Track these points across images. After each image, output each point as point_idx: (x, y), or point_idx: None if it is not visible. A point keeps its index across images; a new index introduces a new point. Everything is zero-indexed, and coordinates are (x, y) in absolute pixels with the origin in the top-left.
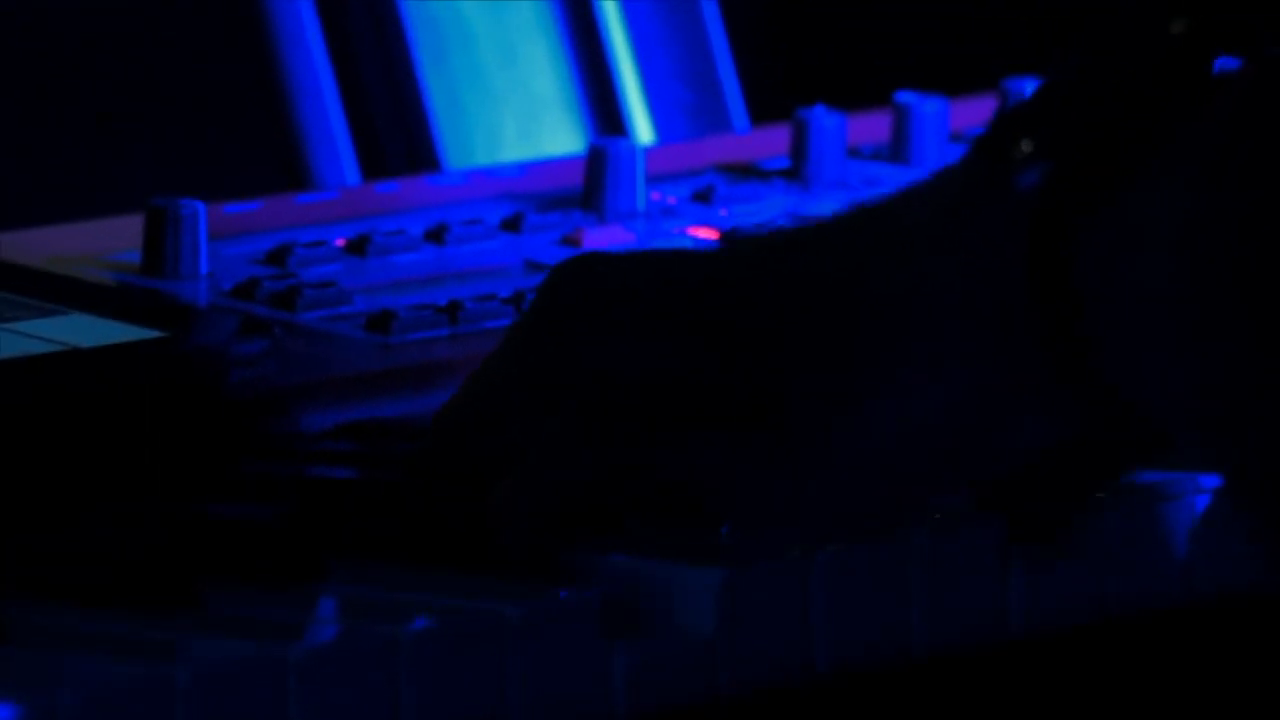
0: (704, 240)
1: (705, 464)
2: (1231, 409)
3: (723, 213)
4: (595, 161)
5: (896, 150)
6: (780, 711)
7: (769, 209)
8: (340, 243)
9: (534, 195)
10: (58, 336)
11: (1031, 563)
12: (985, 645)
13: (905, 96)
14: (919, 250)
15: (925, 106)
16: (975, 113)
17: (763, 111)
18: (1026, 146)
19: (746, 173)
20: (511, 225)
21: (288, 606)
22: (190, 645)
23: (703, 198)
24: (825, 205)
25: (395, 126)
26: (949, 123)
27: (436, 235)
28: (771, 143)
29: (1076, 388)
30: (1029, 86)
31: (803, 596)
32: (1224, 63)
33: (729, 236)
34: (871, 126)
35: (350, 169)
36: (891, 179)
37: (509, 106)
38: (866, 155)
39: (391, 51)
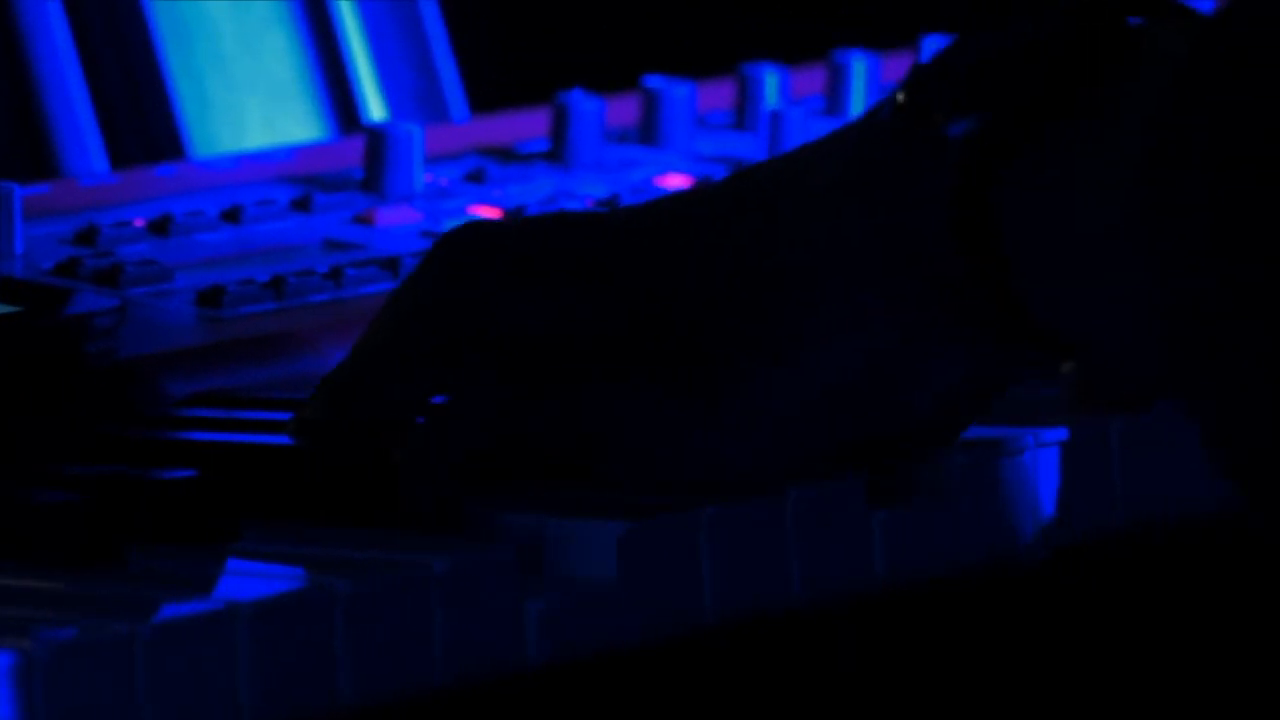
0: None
1: (623, 417)
2: (1182, 336)
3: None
4: (375, 144)
5: (646, 133)
6: (675, 660)
7: (537, 190)
8: (140, 223)
9: (298, 177)
10: None
11: (891, 514)
12: (855, 594)
13: (653, 81)
14: (834, 202)
15: (673, 90)
16: (720, 96)
17: (483, 100)
18: (950, 100)
19: (508, 155)
20: (302, 205)
21: (206, 564)
22: (152, 602)
23: (475, 178)
24: (586, 186)
25: (140, 116)
26: (696, 105)
27: (233, 215)
28: (523, 127)
29: (1001, 329)
30: (765, 70)
31: (694, 549)
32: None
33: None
34: (622, 110)
35: (98, 157)
36: (645, 160)
37: (251, 95)
38: (617, 139)
39: (135, 43)
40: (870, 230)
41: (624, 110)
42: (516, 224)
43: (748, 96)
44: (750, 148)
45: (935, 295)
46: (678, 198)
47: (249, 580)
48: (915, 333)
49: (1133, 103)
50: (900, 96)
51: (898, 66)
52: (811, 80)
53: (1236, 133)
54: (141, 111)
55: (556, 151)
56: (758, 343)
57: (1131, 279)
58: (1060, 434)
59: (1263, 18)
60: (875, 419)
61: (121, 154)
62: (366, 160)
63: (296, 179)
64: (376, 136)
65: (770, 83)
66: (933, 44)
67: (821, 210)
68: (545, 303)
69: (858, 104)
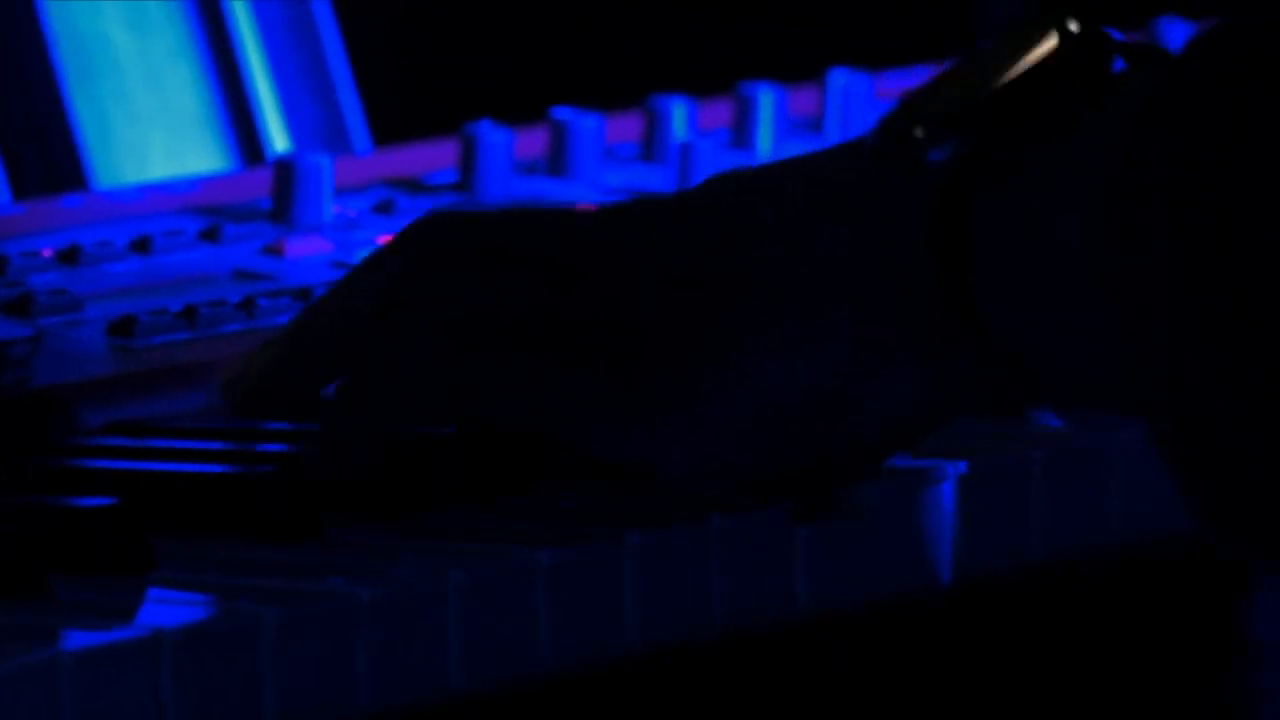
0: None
1: (568, 401)
2: (1141, 362)
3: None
4: (284, 174)
5: (555, 164)
6: (598, 689)
7: None
8: (48, 253)
9: (206, 208)
10: None
11: (814, 541)
12: (777, 621)
13: (561, 113)
14: (808, 215)
15: (582, 122)
16: (627, 128)
17: (387, 132)
18: (930, 126)
19: (416, 186)
20: (210, 235)
21: (129, 592)
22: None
23: (384, 209)
24: None
25: (42, 146)
26: (605, 137)
27: (142, 245)
28: (429, 158)
29: (963, 349)
30: (674, 103)
31: (618, 579)
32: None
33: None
34: (529, 142)
35: (0, 188)
36: (553, 192)
37: (154, 126)
38: (526, 170)
39: (37, 73)
40: (843, 245)
41: (532, 142)
42: (488, 213)
43: (656, 129)
44: (658, 180)
45: (901, 315)
46: (648, 199)
47: (173, 608)
48: (875, 353)
49: (1097, 134)
50: (883, 123)
51: (804, 99)
52: (719, 113)
53: (1195, 166)
54: (44, 142)
55: (465, 182)
56: (710, 347)
57: (1091, 306)
58: (976, 464)
59: (1222, 54)
60: (820, 438)
61: (23, 185)
62: (275, 191)
63: (203, 210)
64: (285, 167)
65: (678, 115)
66: (839, 78)
67: (794, 222)
68: (509, 287)
69: (764, 136)
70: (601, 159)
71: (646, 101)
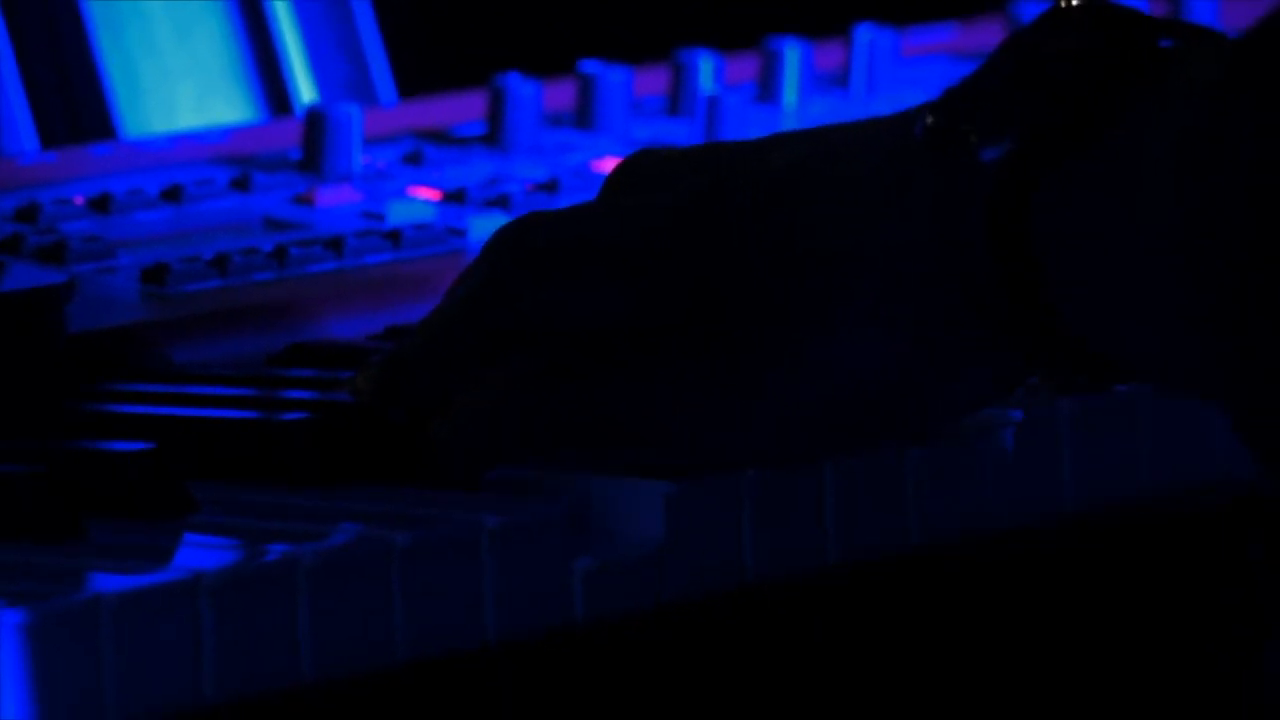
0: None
1: (662, 405)
2: (1223, 345)
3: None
4: (315, 125)
5: (583, 117)
6: (717, 618)
7: (475, 172)
8: (80, 201)
9: (235, 157)
10: None
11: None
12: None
13: (589, 66)
14: (869, 210)
15: (609, 75)
16: (655, 82)
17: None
18: (982, 123)
19: (444, 138)
20: (241, 185)
21: (166, 536)
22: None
23: (413, 160)
24: (524, 170)
25: (71, 96)
26: (632, 91)
27: (174, 194)
28: (457, 110)
29: (1033, 342)
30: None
31: (737, 510)
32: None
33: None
34: (557, 95)
35: (28, 137)
36: (581, 144)
37: (182, 77)
38: (553, 122)
39: (67, 25)
40: (905, 239)
41: (560, 95)
42: (548, 217)
43: (683, 82)
44: (685, 133)
45: (966, 312)
46: (699, 190)
47: (210, 551)
48: (940, 347)
49: (1166, 117)
50: (930, 119)
51: (830, 54)
52: (745, 67)
53: (1276, 142)
54: (72, 91)
55: (493, 135)
56: (793, 330)
57: (1168, 288)
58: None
59: None
60: (886, 421)
61: (52, 134)
62: (305, 141)
63: (232, 159)
64: (316, 117)
65: (705, 69)
66: (865, 33)
67: (854, 215)
68: (581, 296)
69: (790, 91)
70: (629, 112)
71: (674, 55)
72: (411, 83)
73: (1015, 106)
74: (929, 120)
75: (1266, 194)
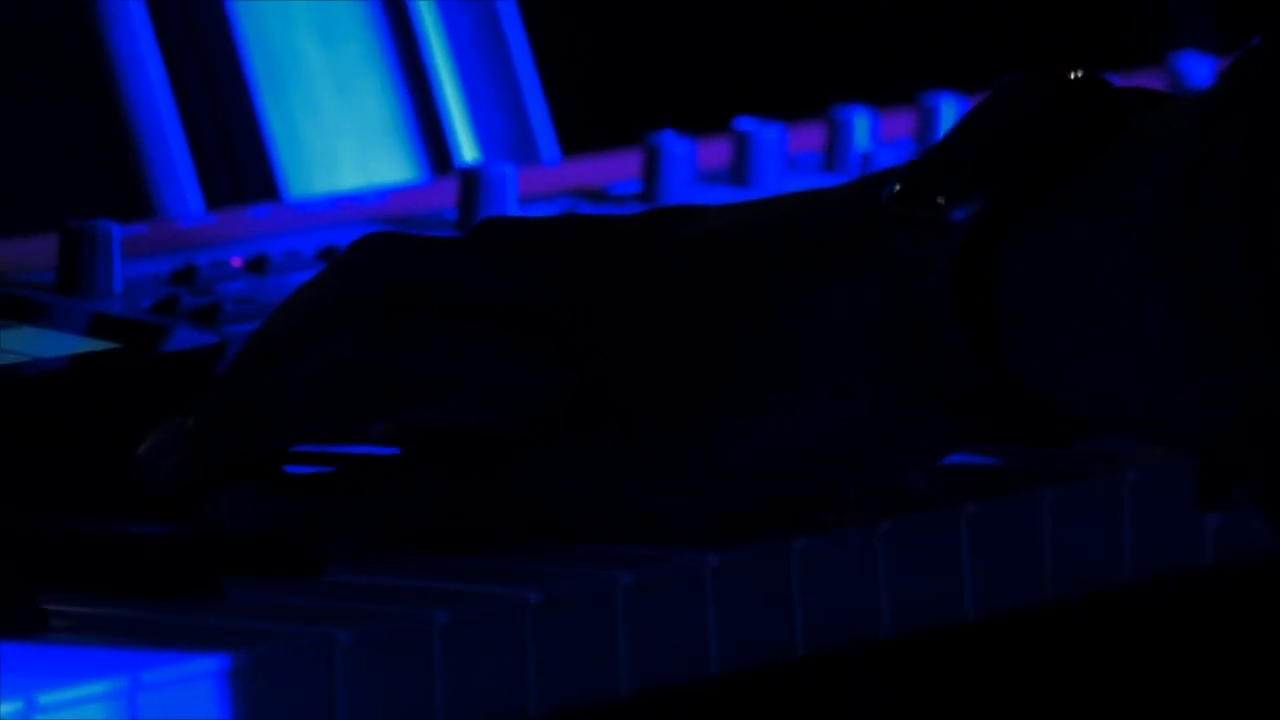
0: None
1: (568, 488)
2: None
3: None
4: (470, 184)
5: (738, 174)
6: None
7: None
8: (237, 262)
9: (394, 218)
10: (14, 347)
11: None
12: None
13: (744, 123)
14: (824, 275)
15: (764, 133)
16: (810, 138)
17: (574, 142)
18: (949, 189)
19: (600, 196)
20: None
21: (300, 595)
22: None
23: None
24: None
25: (234, 156)
26: (787, 147)
27: (329, 256)
28: (614, 169)
29: (994, 403)
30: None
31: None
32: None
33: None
34: (712, 152)
35: (193, 197)
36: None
37: (344, 136)
38: (708, 180)
39: (230, 85)
40: (864, 304)
41: (715, 152)
42: (445, 273)
43: (838, 139)
44: None
45: (924, 376)
46: (640, 256)
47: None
48: (895, 411)
49: (1140, 162)
50: (899, 186)
51: None
52: (901, 123)
53: (1269, 174)
54: (236, 152)
55: (648, 193)
56: (727, 400)
57: (1148, 329)
58: None
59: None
60: (828, 483)
61: (216, 194)
62: (461, 200)
63: (390, 219)
64: (471, 177)
65: (860, 125)
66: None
67: (812, 278)
68: (473, 340)
69: None
70: (784, 169)
71: (829, 111)
72: (574, 141)
73: (985, 165)
74: (897, 187)
75: (1258, 226)
